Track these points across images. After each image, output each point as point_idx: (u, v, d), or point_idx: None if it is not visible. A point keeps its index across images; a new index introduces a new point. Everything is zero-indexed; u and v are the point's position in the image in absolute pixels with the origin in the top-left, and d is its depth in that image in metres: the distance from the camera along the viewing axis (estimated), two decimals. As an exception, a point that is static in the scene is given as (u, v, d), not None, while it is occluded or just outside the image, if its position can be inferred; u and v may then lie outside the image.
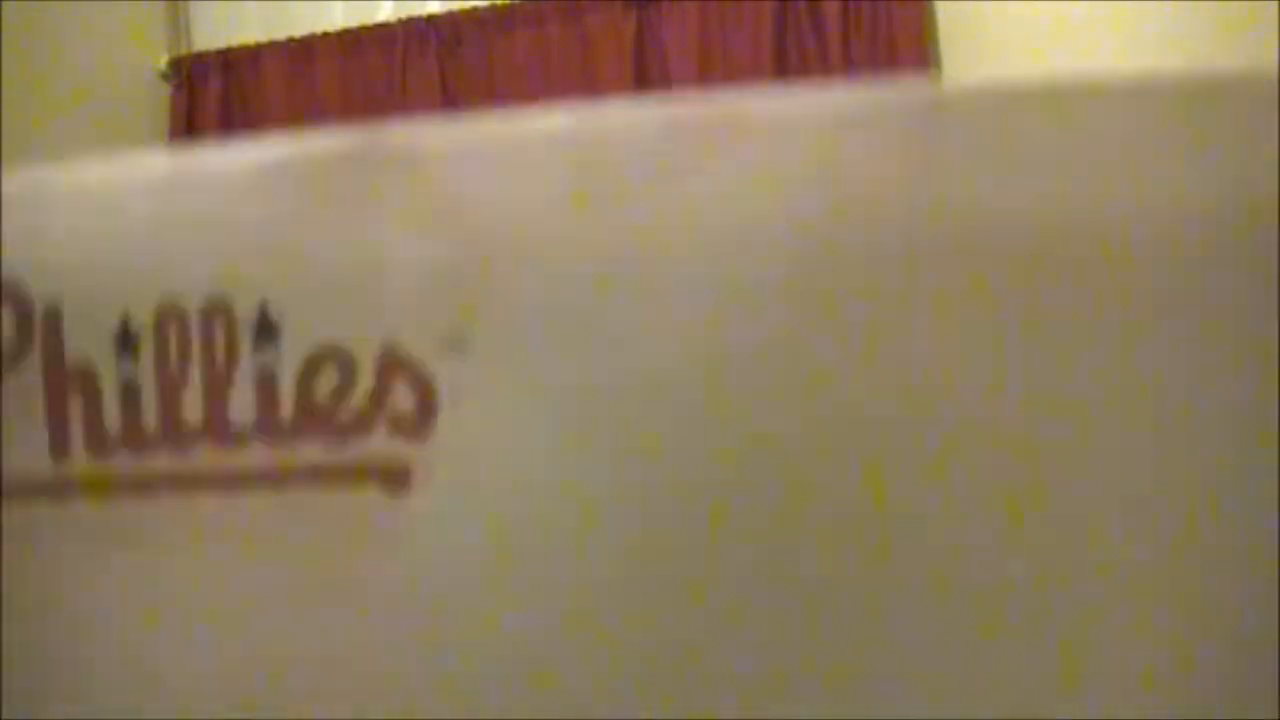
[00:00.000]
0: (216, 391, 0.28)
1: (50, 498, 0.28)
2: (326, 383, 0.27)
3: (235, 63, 2.52)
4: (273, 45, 2.49)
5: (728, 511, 0.27)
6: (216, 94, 2.53)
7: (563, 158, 0.27)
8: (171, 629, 0.28)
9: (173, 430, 0.28)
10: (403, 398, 0.27)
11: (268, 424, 0.27)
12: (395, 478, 0.27)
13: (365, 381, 0.27)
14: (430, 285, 0.27)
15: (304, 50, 2.46)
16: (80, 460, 0.28)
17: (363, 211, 0.27)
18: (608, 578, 0.27)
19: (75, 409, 0.28)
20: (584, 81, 2.22)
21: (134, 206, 0.28)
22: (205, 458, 0.28)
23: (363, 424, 0.27)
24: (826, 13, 2.08)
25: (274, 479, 0.28)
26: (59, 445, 0.28)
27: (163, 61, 2.56)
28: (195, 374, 0.28)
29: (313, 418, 0.27)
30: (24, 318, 0.28)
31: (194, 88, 2.55)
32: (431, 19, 2.36)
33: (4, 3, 2.27)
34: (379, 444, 0.27)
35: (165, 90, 2.57)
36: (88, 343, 0.28)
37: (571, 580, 0.27)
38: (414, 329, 0.27)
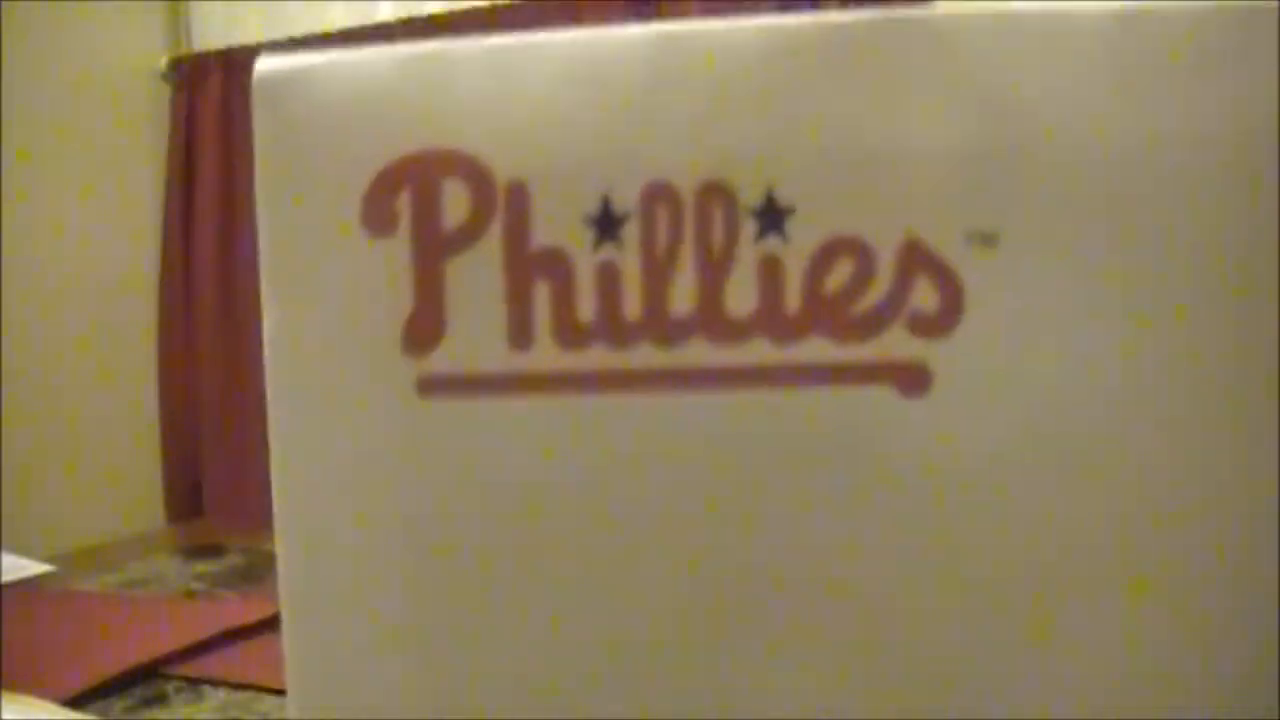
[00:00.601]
0: (713, 281, 0.25)
1: (509, 391, 0.25)
2: (840, 276, 0.25)
3: (235, 63, 2.48)
4: (273, 45, 2.43)
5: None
6: (216, 94, 2.51)
7: (1106, 48, 0.25)
8: (641, 532, 0.25)
9: (660, 322, 0.25)
10: (925, 294, 0.25)
11: (772, 318, 0.25)
12: (913, 377, 0.25)
13: (884, 276, 0.25)
14: (958, 174, 0.25)
15: (304, 50, 2.46)
16: (546, 351, 0.25)
17: (884, 91, 0.25)
18: (1135, 487, 0.25)
19: (542, 295, 0.25)
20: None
21: (618, 78, 0.25)
22: (698, 352, 0.25)
23: (879, 320, 0.25)
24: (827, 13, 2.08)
25: (776, 376, 0.25)
26: (521, 334, 0.25)
27: (163, 61, 2.55)
28: (688, 262, 0.25)
29: (823, 312, 0.25)
30: (482, 193, 0.25)
31: (194, 88, 2.53)
32: (431, 19, 2.33)
33: (4, 2, 2.25)
34: (896, 341, 0.25)
35: (165, 90, 2.56)
36: (559, 223, 0.25)
37: (1100, 490, 0.25)
38: (940, 221, 0.25)
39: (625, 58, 0.25)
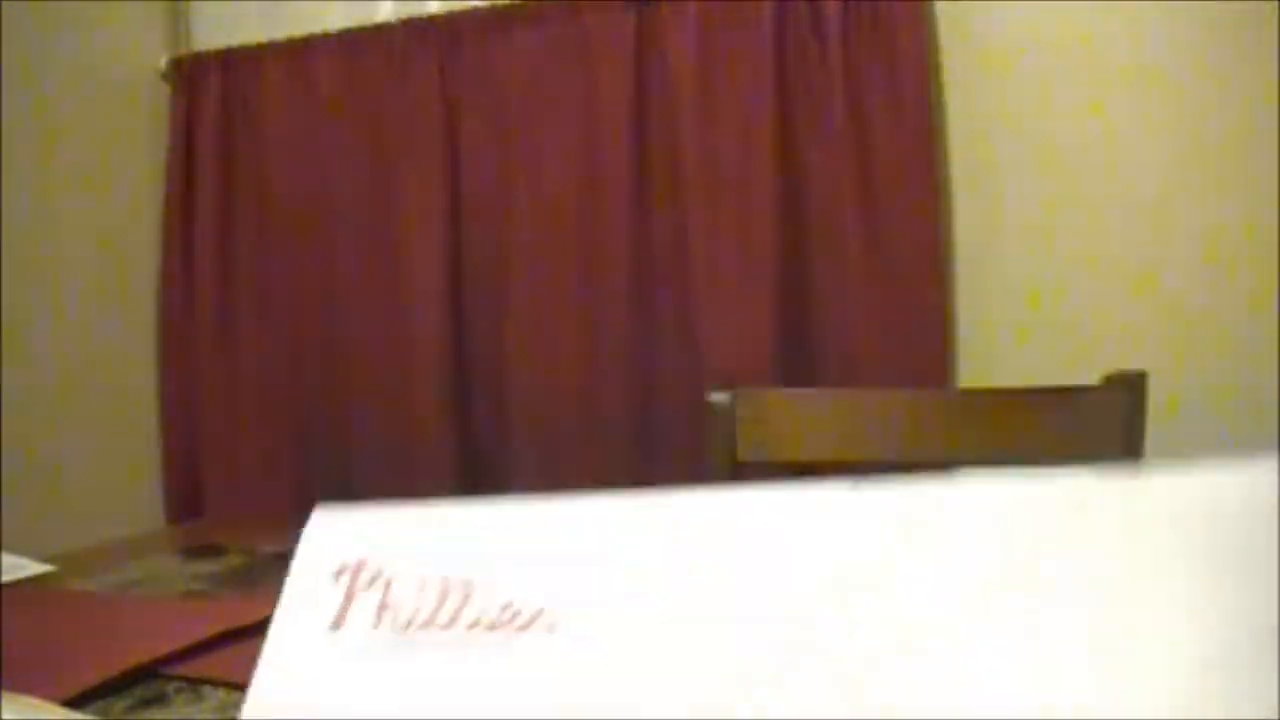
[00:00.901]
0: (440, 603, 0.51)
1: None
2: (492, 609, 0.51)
3: (235, 63, 2.54)
4: (273, 45, 2.52)
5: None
6: (216, 94, 2.56)
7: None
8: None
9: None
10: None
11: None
12: (547, 628, 0.49)
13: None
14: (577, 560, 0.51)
15: (304, 50, 2.49)
16: (358, 637, 0.52)
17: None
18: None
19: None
20: (584, 81, 2.25)
21: (459, 552, 0.53)
22: (428, 634, 0.50)
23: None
24: (826, 13, 2.09)
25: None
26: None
27: (163, 61, 2.60)
28: (431, 599, 0.51)
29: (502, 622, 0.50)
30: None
31: (194, 88, 2.58)
32: (431, 19, 2.39)
33: (4, 2, 2.25)
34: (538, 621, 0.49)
35: (165, 90, 2.61)
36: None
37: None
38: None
39: (464, 538, 0.52)
